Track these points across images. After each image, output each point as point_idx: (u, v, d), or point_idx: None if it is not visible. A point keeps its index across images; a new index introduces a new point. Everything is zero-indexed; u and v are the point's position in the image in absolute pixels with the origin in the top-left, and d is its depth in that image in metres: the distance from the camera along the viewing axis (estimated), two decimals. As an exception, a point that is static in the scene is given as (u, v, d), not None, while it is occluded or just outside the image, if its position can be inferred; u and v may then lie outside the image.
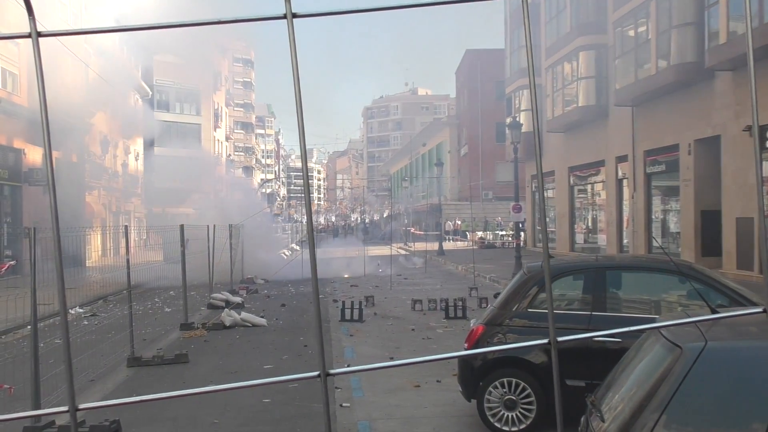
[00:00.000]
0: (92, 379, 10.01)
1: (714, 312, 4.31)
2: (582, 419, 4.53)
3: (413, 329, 14.11)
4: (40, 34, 0.85)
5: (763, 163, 18.75)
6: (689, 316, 5.15)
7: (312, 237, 0.89)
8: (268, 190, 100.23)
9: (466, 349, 7.72)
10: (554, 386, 0.84)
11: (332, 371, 0.85)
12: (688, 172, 22.26)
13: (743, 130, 18.59)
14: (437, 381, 9.44)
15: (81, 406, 0.82)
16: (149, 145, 50.61)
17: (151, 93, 55.97)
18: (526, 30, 0.88)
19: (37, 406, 7.53)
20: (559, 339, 0.87)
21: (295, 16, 0.82)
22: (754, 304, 6.75)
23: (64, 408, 0.82)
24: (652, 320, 6.77)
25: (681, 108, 22.35)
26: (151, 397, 0.90)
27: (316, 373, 0.85)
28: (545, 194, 37.51)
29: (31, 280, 7.66)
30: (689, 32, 21.52)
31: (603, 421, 3.95)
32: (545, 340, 0.86)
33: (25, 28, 0.85)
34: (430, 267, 30.32)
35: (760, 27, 17.53)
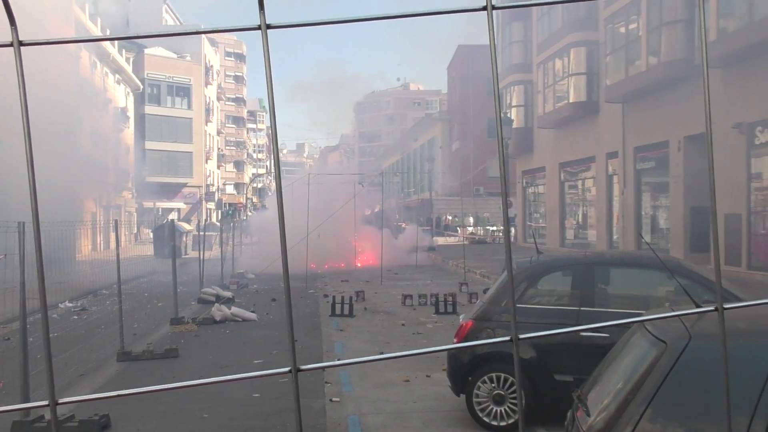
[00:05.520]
0: (82, 373, 10.00)
1: (698, 308, 4.35)
2: (568, 414, 4.57)
3: (403, 324, 14.16)
4: (21, 44, 0.87)
5: (752, 159, 18.90)
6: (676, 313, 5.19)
7: (283, 229, 0.91)
8: (260, 185, 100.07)
9: (455, 345, 7.76)
10: (516, 383, 0.87)
11: (303, 367, 0.88)
12: (677, 168, 22.37)
13: (732, 127, 18.69)
14: (427, 376, 9.48)
15: (61, 400, 0.84)
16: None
17: (142, 87, 55.77)
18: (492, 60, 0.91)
19: (26, 400, 7.53)
20: (521, 336, 0.90)
21: (269, 27, 0.84)
22: (740, 300, 6.81)
23: (44, 402, 0.85)
24: (639, 316, 6.82)
25: (671, 105, 22.45)
26: (132, 391, 0.92)
27: (287, 369, 0.88)
28: (536, 189, 37.63)
29: (20, 275, 7.66)
30: (679, 29, 21.61)
31: (589, 415, 3.98)
32: (507, 338, 0.89)
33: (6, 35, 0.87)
34: (421, 261, 30.35)
35: (750, 25, 17.63)
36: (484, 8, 0.91)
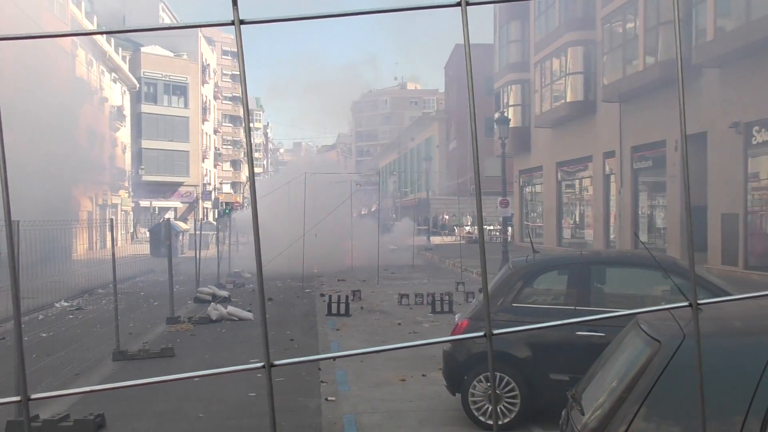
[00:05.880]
0: (77, 373, 9.98)
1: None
2: (563, 412, 4.57)
3: (400, 323, 14.15)
4: (-5, 37, 0.86)
5: (749, 159, 18.93)
6: (670, 312, 5.20)
7: (256, 225, 0.91)
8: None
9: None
10: (490, 377, 0.87)
11: (276, 362, 0.88)
12: (674, 168, 22.39)
13: (729, 127, 18.72)
14: (423, 375, 9.48)
15: (33, 396, 0.84)
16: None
17: (138, 85, 55.70)
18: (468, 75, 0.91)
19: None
20: (495, 332, 0.90)
21: (242, 22, 0.84)
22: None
23: (17, 398, 0.85)
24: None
25: (668, 104, 22.46)
26: (104, 387, 0.92)
27: (261, 364, 0.88)
28: (533, 189, 37.66)
29: (14, 274, 7.65)
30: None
31: (583, 414, 3.98)
32: (481, 333, 0.89)
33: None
34: (418, 261, 30.37)
35: (746, 25, 17.65)
36: (458, 4, 0.91)
